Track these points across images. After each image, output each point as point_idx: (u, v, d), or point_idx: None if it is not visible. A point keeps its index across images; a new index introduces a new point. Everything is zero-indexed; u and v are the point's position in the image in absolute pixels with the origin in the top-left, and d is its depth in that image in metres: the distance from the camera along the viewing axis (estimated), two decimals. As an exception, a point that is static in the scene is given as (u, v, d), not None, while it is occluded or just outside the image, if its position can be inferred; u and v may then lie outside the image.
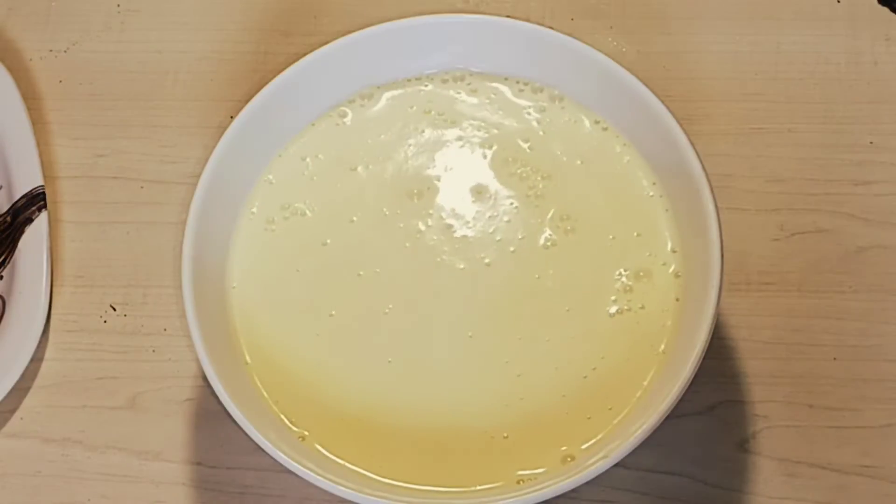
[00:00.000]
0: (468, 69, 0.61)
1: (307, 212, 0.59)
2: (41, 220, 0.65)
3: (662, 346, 0.56)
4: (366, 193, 0.59)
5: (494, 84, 0.61)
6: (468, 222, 0.59)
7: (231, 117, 0.60)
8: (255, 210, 0.59)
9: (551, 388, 0.55)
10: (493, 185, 0.59)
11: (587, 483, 0.52)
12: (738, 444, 0.61)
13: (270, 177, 0.60)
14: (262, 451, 0.52)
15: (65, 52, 0.71)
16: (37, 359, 0.64)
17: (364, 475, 0.54)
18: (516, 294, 0.57)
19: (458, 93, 0.61)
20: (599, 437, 0.54)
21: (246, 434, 0.52)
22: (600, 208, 0.58)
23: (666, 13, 0.70)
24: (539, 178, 0.59)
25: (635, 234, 0.58)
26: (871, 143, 0.66)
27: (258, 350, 0.57)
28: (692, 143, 0.56)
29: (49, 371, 0.64)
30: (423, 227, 0.58)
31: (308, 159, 0.60)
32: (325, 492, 0.52)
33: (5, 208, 0.66)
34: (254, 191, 0.60)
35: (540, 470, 0.54)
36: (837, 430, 0.61)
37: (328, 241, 0.59)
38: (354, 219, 0.59)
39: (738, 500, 0.60)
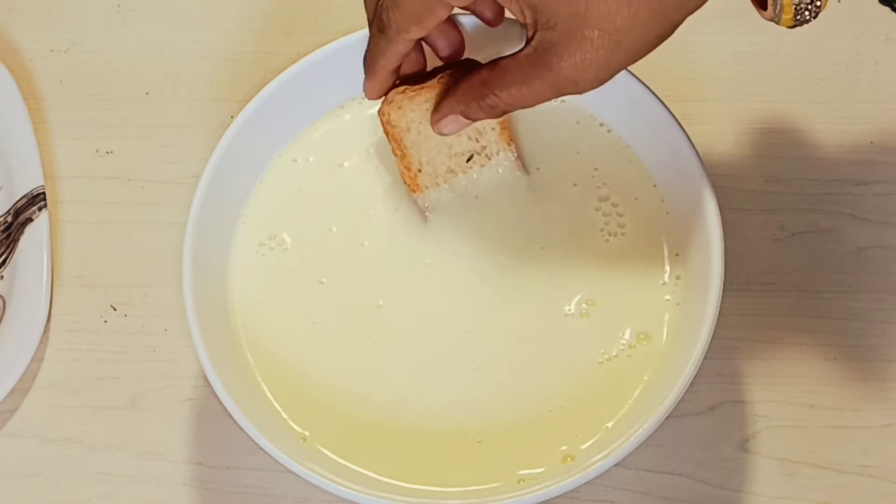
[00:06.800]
0: (468, 69, 0.61)
1: (307, 212, 0.59)
2: (41, 220, 0.65)
3: (661, 349, 0.56)
4: (365, 194, 0.59)
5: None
6: (466, 223, 0.59)
7: (231, 117, 0.60)
8: (255, 209, 0.59)
9: (552, 390, 0.55)
10: (494, 186, 0.59)
11: (587, 483, 0.52)
12: (738, 444, 0.61)
13: (271, 176, 0.60)
14: (263, 450, 0.52)
15: (65, 51, 0.71)
16: (37, 359, 0.64)
17: (364, 475, 0.54)
18: (518, 294, 0.57)
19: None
20: (599, 437, 0.54)
21: (246, 434, 0.52)
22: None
23: (666, 13, 0.70)
24: (538, 181, 0.59)
25: (636, 237, 0.58)
26: (872, 142, 0.66)
27: (260, 350, 0.57)
28: (692, 143, 0.56)
29: (49, 371, 0.64)
30: (422, 227, 0.58)
31: (308, 160, 0.60)
32: (325, 492, 0.52)
33: (6, 208, 0.66)
34: (254, 190, 0.60)
35: (540, 470, 0.54)
36: (837, 430, 0.61)
37: (329, 241, 0.59)
38: (353, 220, 0.59)
39: (738, 500, 0.60)
